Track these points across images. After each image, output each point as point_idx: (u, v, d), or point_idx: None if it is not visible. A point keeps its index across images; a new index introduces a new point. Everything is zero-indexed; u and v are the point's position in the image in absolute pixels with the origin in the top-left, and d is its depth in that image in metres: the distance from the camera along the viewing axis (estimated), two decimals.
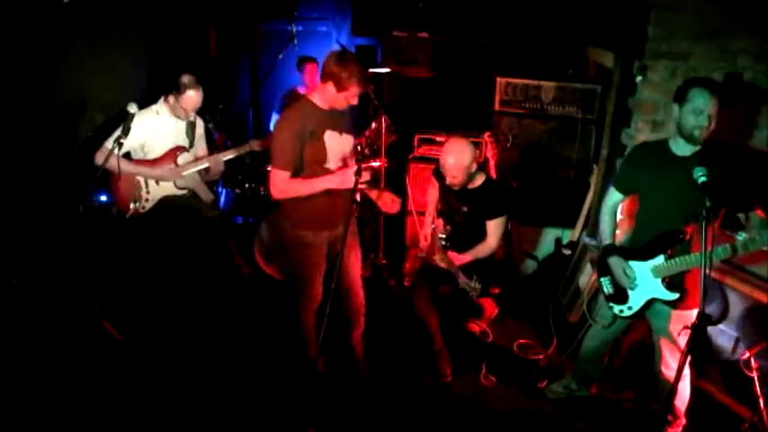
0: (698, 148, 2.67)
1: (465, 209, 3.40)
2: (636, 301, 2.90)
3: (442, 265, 3.41)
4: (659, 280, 2.78)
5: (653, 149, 2.84)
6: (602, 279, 3.04)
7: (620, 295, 2.95)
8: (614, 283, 2.97)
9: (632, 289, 2.89)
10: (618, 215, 3.94)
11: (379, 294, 4.52)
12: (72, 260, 3.91)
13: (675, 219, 2.70)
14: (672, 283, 2.76)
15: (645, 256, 2.82)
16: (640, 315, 2.95)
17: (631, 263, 2.87)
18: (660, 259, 2.76)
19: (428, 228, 3.60)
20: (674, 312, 2.81)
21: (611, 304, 3.01)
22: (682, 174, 2.57)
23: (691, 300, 2.75)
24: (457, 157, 3.24)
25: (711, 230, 2.26)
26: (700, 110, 2.56)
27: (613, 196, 3.02)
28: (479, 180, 3.38)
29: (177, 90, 3.57)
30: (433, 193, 3.67)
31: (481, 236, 3.44)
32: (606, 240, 3.01)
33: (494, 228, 3.37)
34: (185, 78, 3.57)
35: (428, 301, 3.49)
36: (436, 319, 3.51)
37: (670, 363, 2.88)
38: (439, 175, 3.50)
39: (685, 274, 2.73)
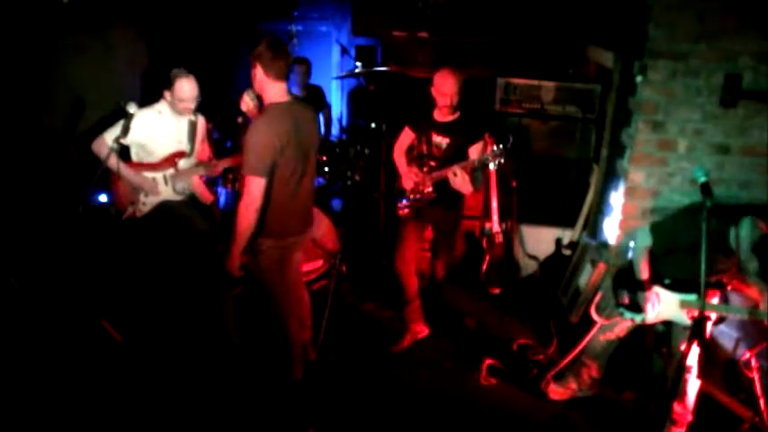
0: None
1: (448, 141, 3.69)
2: (651, 317, 3.01)
3: (430, 189, 3.75)
4: (684, 311, 2.85)
5: (695, 225, 2.67)
6: (618, 290, 3.12)
7: (635, 307, 3.04)
8: (633, 297, 3.05)
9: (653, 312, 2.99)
10: (618, 214, 3.96)
11: (379, 294, 4.53)
12: (71, 261, 3.91)
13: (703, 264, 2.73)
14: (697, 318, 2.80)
15: (676, 288, 2.90)
16: None
17: (659, 289, 2.95)
18: (692, 296, 2.83)
19: (410, 174, 3.84)
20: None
21: (621, 310, 3.10)
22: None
23: None
24: (452, 80, 3.58)
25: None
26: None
27: (645, 240, 3.06)
28: (457, 113, 3.71)
29: (169, 84, 3.57)
30: (401, 147, 3.93)
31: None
32: (639, 276, 3.04)
33: (475, 151, 3.63)
34: (174, 71, 3.58)
35: (411, 263, 3.84)
36: (416, 280, 3.86)
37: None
38: (417, 123, 3.83)
39: None
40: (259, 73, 2.96)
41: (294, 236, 3.16)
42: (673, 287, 2.94)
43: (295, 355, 3.36)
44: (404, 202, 3.86)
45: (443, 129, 3.71)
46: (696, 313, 2.74)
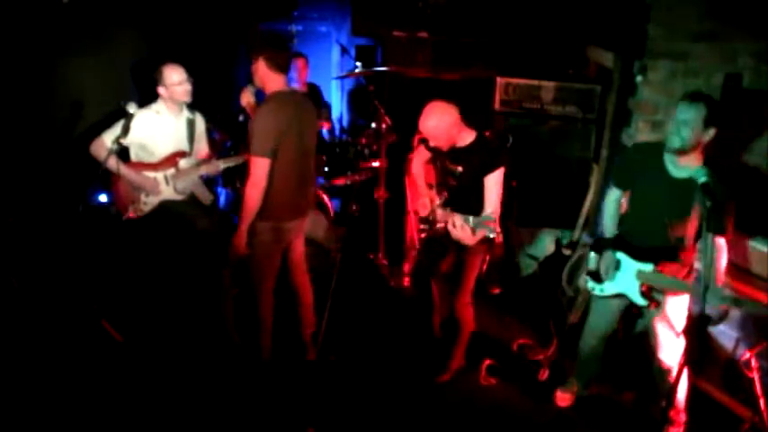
0: (694, 171, 2.61)
1: (460, 169, 3.25)
2: (609, 288, 3.01)
3: (443, 225, 3.30)
4: (638, 283, 2.82)
5: (648, 160, 2.84)
6: (591, 253, 3.11)
7: (599, 276, 3.05)
8: (598, 263, 3.06)
9: (611, 280, 2.99)
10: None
11: (379, 295, 4.53)
12: (71, 260, 3.91)
13: (662, 221, 2.78)
14: (647, 293, 2.82)
15: (637, 256, 2.87)
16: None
17: (622, 255, 2.93)
18: (648, 267, 2.81)
19: (425, 198, 3.46)
20: (669, 296, 2.87)
21: (587, 278, 3.11)
22: (676, 193, 2.67)
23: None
24: (436, 120, 3.15)
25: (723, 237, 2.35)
26: (682, 121, 2.61)
27: (613, 193, 3.10)
28: (470, 138, 3.23)
29: (159, 82, 3.59)
30: (418, 164, 3.56)
31: (480, 196, 3.23)
32: (606, 232, 3.09)
33: (492, 183, 3.17)
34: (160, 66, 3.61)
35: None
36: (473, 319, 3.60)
37: (666, 348, 2.95)
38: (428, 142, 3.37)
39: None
40: (261, 67, 3.15)
41: (290, 221, 3.32)
42: (634, 254, 2.89)
43: (263, 334, 3.47)
44: (423, 225, 3.53)
45: (457, 155, 3.25)
46: (646, 288, 2.78)
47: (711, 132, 2.62)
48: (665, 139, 2.70)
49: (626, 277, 2.90)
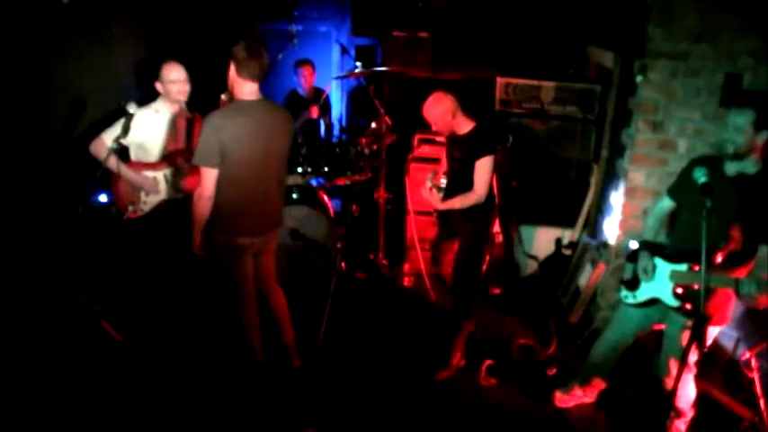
0: (752, 170, 2.68)
1: (458, 154, 3.64)
2: (642, 293, 2.96)
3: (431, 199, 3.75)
4: (671, 285, 2.79)
5: (707, 167, 2.79)
6: (627, 264, 3.10)
7: (633, 283, 3.00)
8: (634, 270, 3.01)
9: (646, 282, 2.93)
10: (618, 214, 3.96)
11: (379, 295, 4.53)
12: (71, 261, 3.91)
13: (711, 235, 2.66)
14: (682, 294, 2.77)
15: (672, 258, 2.85)
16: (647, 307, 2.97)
17: (657, 260, 2.91)
18: (683, 267, 2.78)
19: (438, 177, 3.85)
20: (690, 323, 2.79)
21: (621, 287, 3.08)
22: (729, 189, 2.62)
23: (713, 318, 2.75)
24: (429, 109, 3.57)
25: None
26: (734, 127, 2.65)
27: (663, 202, 3.05)
28: (468, 127, 3.59)
29: (159, 74, 3.59)
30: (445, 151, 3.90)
31: (472, 178, 3.60)
32: (645, 235, 3.08)
33: (480, 167, 3.52)
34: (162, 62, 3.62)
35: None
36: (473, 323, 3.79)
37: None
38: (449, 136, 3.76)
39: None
40: (232, 71, 3.03)
41: (248, 237, 3.18)
42: (670, 258, 2.87)
43: (252, 335, 3.40)
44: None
45: (458, 142, 3.63)
46: (681, 290, 2.74)
47: (765, 135, 2.62)
48: (720, 147, 2.72)
49: (659, 280, 2.87)
